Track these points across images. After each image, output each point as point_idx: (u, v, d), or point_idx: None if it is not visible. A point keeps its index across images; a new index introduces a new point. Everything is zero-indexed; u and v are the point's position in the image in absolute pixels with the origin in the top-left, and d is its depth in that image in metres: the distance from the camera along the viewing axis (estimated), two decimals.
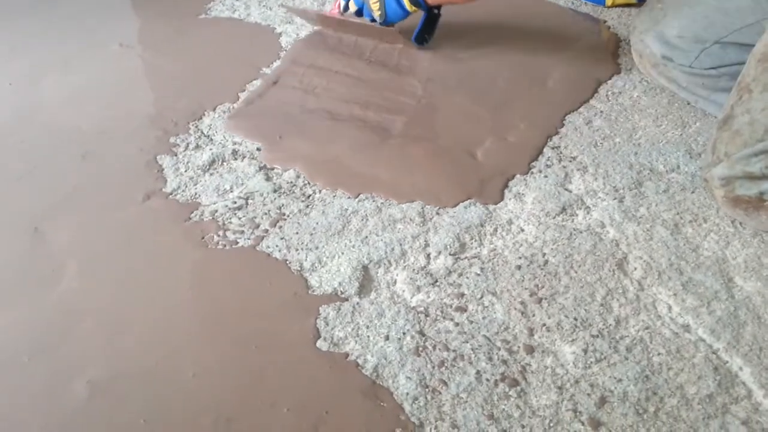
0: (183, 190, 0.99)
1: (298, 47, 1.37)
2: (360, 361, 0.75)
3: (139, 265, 0.88)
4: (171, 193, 0.98)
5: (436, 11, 1.31)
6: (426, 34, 1.32)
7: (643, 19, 1.18)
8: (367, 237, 0.91)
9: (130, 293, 0.84)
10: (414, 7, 1.26)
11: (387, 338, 0.77)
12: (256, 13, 1.51)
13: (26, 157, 1.07)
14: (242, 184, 1.00)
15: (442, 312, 0.81)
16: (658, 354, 0.75)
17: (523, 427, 0.68)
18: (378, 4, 1.27)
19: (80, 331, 0.79)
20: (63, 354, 0.77)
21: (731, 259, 0.87)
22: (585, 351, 0.75)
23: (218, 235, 0.92)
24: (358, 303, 0.82)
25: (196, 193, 0.98)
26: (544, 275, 0.85)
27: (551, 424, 0.68)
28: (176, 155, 1.06)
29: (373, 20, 1.31)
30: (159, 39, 1.42)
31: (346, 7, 1.35)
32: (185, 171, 1.03)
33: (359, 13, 1.33)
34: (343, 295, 0.83)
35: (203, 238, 0.91)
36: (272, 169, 1.03)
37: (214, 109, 1.17)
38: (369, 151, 1.06)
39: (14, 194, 0.99)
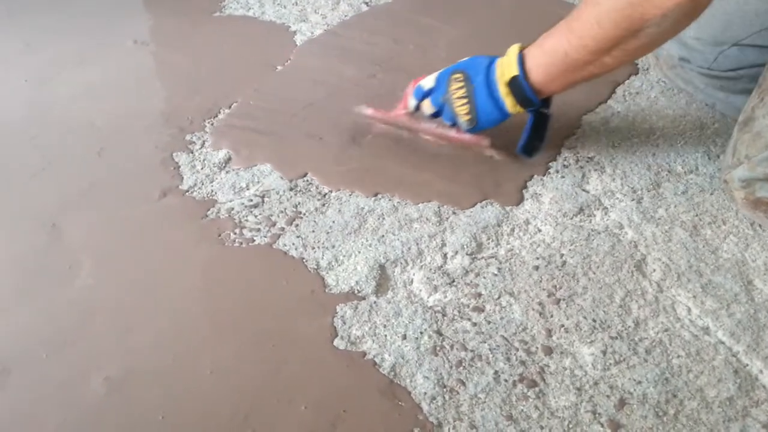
0: (199, 188, 0.99)
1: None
2: (377, 360, 0.75)
3: (155, 262, 0.88)
4: (187, 191, 0.98)
5: (545, 110, 0.97)
6: (537, 141, 1.00)
7: None
8: (383, 236, 0.90)
9: (147, 290, 0.84)
10: (519, 108, 0.94)
11: (404, 337, 0.77)
12: (271, 11, 1.51)
13: (42, 153, 1.07)
14: (258, 182, 1.00)
15: (459, 312, 0.80)
16: (678, 356, 0.75)
17: (542, 428, 0.68)
18: (467, 105, 0.95)
19: (97, 328, 0.79)
20: (80, 350, 0.77)
21: (751, 261, 0.86)
22: (604, 352, 0.75)
23: (234, 233, 0.91)
24: (375, 302, 0.81)
25: (212, 191, 0.98)
26: (562, 276, 0.85)
27: (570, 426, 0.68)
28: (192, 152, 1.06)
29: (454, 124, 1.01)
30: (173, 36, 1.42)
31: (418, 107, 1.03)
32: (201, 168, 1.03)
33: (436, 115, 1.01)
34: (360, 294, 0.83)
35: (220, 235, 0.91)
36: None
37: (229, 107, 1.17)
38: (386, 151, 1.06)
39: (31, 190, 0.99)
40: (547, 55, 0.89)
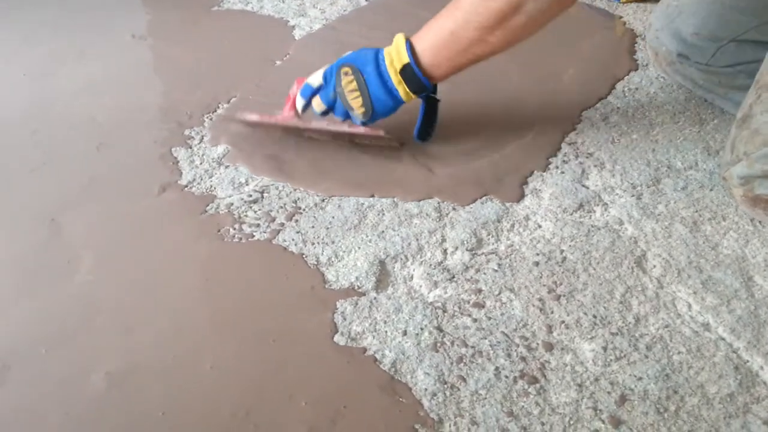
0: (198, 183, 0.99)
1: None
2: (378, 356, 0.75)
3: (155, 257, 0.88)
4: (186, 186, 0.98)
5: (435, 97, 1.00)
6: (430, 126, 1.03)
7: (658, 16, 1.17)
8: (383, 232, 0.90)
9: (147, 286, 0.84)
10: (412, 95, 0.94)
11: (405, 333, 0.77)
12: (269, 6, 1.50)
13: (41, 148, 1.06)
14: (257, 177, 1.00)
15: (459, 308, 0.80)
16: (679, 352, 0.75)
17: (542, 424, 0.68)
18: (360, 98, 0.93)
19: (97, 323, 0.79)
20: (81, 346, 0.76)
21: (751, 257, 0.86)
22: (604, 349, 0.75)
23: (234, 228, 0.91)
24: (375, 298, 0.81)
25: (211, 186, 0.98)
26: (563, 272, 0.85)
27: (571, 422, 0.68)
28: (191, 147, 1.06)
29: (346, 118, 0.99)
30: (172, 31, 1.42)
31: (307, 106, 1.01)
32: (200, 164, 1.02)
33: (327, 112, 0.99)
34: (360, 290, 0.82)
35: (219, 231, 0.91)
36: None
37: (228, 102, 1.17)
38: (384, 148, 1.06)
39: (30, 185, 0.99)
40: (434, 36, 0.90)
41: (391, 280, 0.84)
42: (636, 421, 0.68)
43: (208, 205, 0.95)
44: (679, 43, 1.12)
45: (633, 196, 0.95)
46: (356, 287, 0.83)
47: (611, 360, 0.74)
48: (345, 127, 1.01)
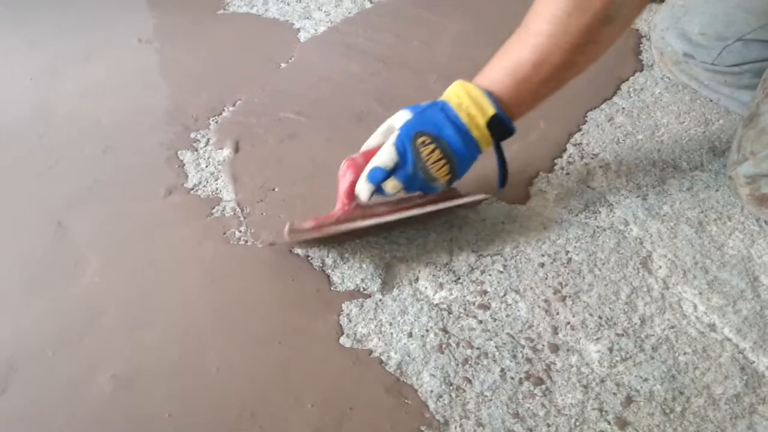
0: (204, 186, 0.99)
1: None
2: (383, 358, 0.75)
3: (161, 260, 0.88)
4: (192, 189, 0.98)
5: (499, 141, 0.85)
6: (505, 169, 0.88)
7: (664, 16, 1.17)
8: (389, 233, 0.90)
9: (153, 288, 0.84)
10: (490, 142, 0.84)
11: (410, 335, 0.77)
12: (274, 9, 1.51)
13: (47, 151, 1.07)
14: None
15: (465, 309, 0.80)
16: (684, 353, 0.75)
17: (548, 425, 0.68)
18: (446, 166, 0.82)
19: (104, 325, 0.79)
20: (87, 348, 0.77)
21: (757, 257, 0.86)
22: (610, 350, 0.75)
23: (239, 231, 0.91)
24: (380, 300, 0.81)
25: (217, 189, 0.98)
26: (568, 273, 0.84)
27: (577, 423, 0.68)
28: (197, 150, 1.06)
29: (421, 190, 0.86)
30: (178, 34, 1.42)
31: (376, 190, 0.83)
32: (206, 166, 1.03)
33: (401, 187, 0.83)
34: (365, 292, 0.83)
35: (225, 233, 0.91)
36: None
37: (233, 105, 1.17)
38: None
39: (37, 188, 0.99)
40: (512, 74, 0.81)
41: (396, 281, 0.84)
42: (642, 422, 0.68)
43: (213, 208, 0.95)
44: (685, 42, 1.11)
45: (638, 196, 0.95)
46: (362, 289, 0.83)
47: (617, 361, 0.74)
48: (437, 204, 0.86)
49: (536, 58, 0.80)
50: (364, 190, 0.83)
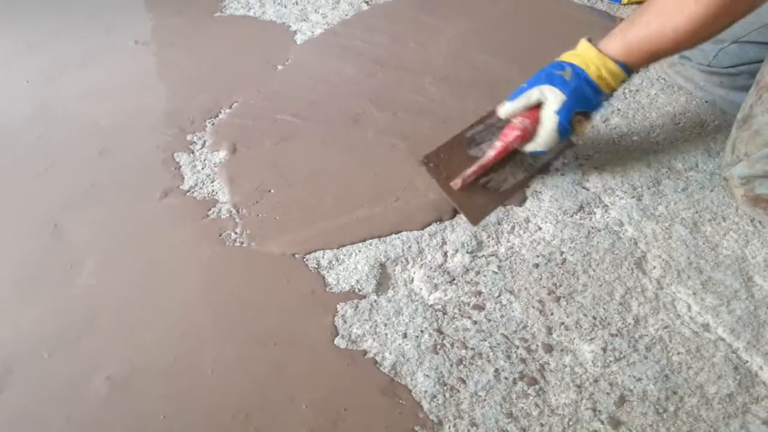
0: (200, 188, 0.99)
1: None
2: (378, 359, 0.75)
3: (157, 261, 0.88)
4: (188, 191, 0.99)
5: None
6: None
7: None
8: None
9: (148, 290, 0.84)
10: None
11: (405, 336, 0.77)
12: (271, 11, 1.51)
13: (45, 153, 1.07)
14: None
15: (459, 310, 0.81)
16: (678, 353, 0.75)
17: (542, 425, 0.68)
18: (581, 119, 0.90)
19: (99, 327, 0.79)
20: (83, 350, 0.77)
21: (751, 258, 0.86)
22: (604, 350, 0.75)
23: (235, 233, 0.92)
24: (375, 301, 0.82)
25: (213, 191, 0.99)
26: (562, 274, 0.85)
27: (570, 423, 0.68)
28: (193, 152, 1.06)
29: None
30: (175, 36, 1.42)
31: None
32: (202, 168, 1.03)
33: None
34: (360, 293, 0.83)
35: (221, 235, 0.91)
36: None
37: (230, 107, 1.17)
38: (385, 151, 1.06)
39: (33, 190, 1.00)
40: (644, 43, 0.86)
41: (391, 282, 0.84)
42: (635, 422, 0.68)
43: (209, 210, 0.95)
44: None
45: (633, 197, 0.95)
46: (357, 290, 0.83)
47: (611, 361, 0.74)
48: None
49: (672, 29, 0.82)
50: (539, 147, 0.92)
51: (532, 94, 0.90)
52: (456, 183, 0.92)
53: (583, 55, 0.89)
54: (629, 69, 0.88)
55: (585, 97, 0.88)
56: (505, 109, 0.92)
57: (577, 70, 0.88)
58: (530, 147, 0.92)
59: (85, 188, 1.00)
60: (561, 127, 0.88)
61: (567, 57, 0.90)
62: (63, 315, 0.81)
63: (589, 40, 0.90)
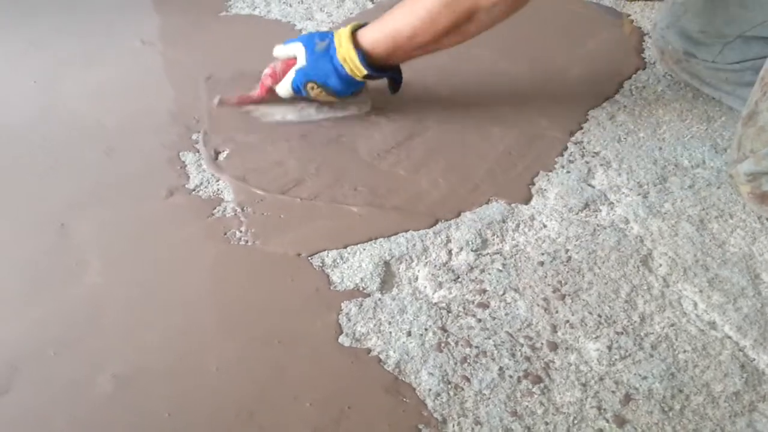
0: (206, 187, 0.99)
1: None
2: (382, 357, 0.75)
3: (162, 260, 0.88)
4: (194, 190, 0.99)
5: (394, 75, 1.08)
6: (396, 82, 1.10)
7: (664, 15, 1.17)
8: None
9: (154, 288, 0.84)
10: (365, 75, 1.02)
11: (409, 334, 0.77)
12: (277, 10, 1.51)
13: (50, 153, 1.07)
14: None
15: (464, 308, 0.80)
16: (684, 351, 0.74)
17: (546, 424, 0.68)
18: (318, 90, 1.05)
19: (105, 326, 0.80)
20: (88, 348, 0.77)
21: (758, 255, 0.86)
22: (609, 348, 0.75)
23: (240, 231, 0.92)
24: (380, 299, 0.82)
25: (218, 190, 0.99)
26: (568, 271, 0.84)
27: (575, 422, 0.68)
28: (198, 152, 1.06)
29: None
30: (180, 36, 1.42)
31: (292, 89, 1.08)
32: (207, 167, 1.03)
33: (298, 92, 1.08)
34: (364, 291, 0.83)
35: (225, 234, 0.91)
36: None
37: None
38: (392, 147, 1.06)
39: (39, 190, 1.00)
40: (390, 40, 0.99)
41: (396, 281, 0.84)
42: (640, 420, 0.68)
43: (214, 209, 0.95)
44: (686, 41, 1.11)
45: (639, 194, 0.95)
46: (361, 288, 0.83)
47: (616, 359, 0.74)
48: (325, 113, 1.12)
49: (410, 33, 0.97)
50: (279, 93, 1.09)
51: (291, 49, 1.06)
52: (214, 102, 1.14)
53: (341, 34, 1.01)
54: (372, 56, 1.00)
55: (323, 73, 1.02)
56: (276, 50, 1.08)
57: (331, 46, 1.01)
58: (276, 88, 1.08)
59: (90, 187, 1.00)
60: (294, 86, 1.05)
61: (339, 31, 1.02)
62: (68, 314, 0.81)
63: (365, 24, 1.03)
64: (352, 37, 1.00)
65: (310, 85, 1.04)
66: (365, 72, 1.00)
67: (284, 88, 1.08)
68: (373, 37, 1.00)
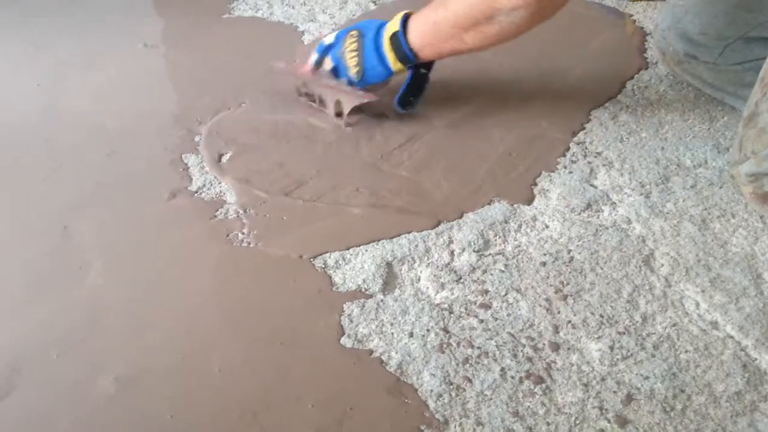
0: (208, 189, 1.00)
1: None
2: (384, 358, 0.75)
3: (165, 262, 0.89)
4: (196, 192, 0.99)
5: (424, 71, 1.09)
6: (411, 96, 1.11)
7: (665, 17, 1.16)
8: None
9: (156, 290, 0.85)
10: (400, 65, 1.03)
11: (411, 335, 0.77)
12: (279, 12, 1.51)
13: (53, 155, 1.08)
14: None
15: (466, 309, 0.80)
16: (686, 351, 0.74)
17: (548, 424, 0.68)
18: (356, 57, 1.05)
19: (107, 328, 0.80)
20: (91, 350, 0.77)
21: (760, 254, 0.85)
22: (611, 348, 0.75)
23: (242, 233, 0.92)
24: (382, 300, 0.82)
25: (221, 191, 0.99)
26: (570, 272, 0.84)
27: (577, 422, 0.68)
28: (201, 154, 1.07)
29: (350, 82, 1.08)
30: (183, 38, 1.43)
31: (319, 62, 1.11)
32: (210, 169, 1.03)
33: (335, 71, 1.09)
34: (367, 292, 0.83)
35: (228, 235, 0.92)
36: None
37: (239, 106, 1.18)
38: (395, 148, 1.06)
39: (42, 192, 1.00)
40: (422, 22, 1.00)
41: (398, 282, 0.84)
42: (642, 421, 0.68)
43: (217, 210, 0.96)
44: (687, 42, 1.11)
45: (641, 194, 0.95)
46: (363, 290, 0.83)
47: (618, 359, 0.74)
48: (346, 88, 1.09)
49: (435, 19, 0.98)
50: (313, 55, 1.11)
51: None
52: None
53: (395, 20, 1.02)
54: (406, 31, 1.01)
55: (368, 24, 1.07)
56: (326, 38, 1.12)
57: (386, 22, 1.04)
58: (324, 38, 1.12)
59: (93, 190, 1.00)
60: (339, 32, 1.10)
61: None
62: (71, 315, 0.82)
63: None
64: (403, 14, 1.03)
65: (351, 33, 1.06)
66: (396, 28, 1.01)
67: (328, 37, 1.10)
68: (415, 17, 1.02)
